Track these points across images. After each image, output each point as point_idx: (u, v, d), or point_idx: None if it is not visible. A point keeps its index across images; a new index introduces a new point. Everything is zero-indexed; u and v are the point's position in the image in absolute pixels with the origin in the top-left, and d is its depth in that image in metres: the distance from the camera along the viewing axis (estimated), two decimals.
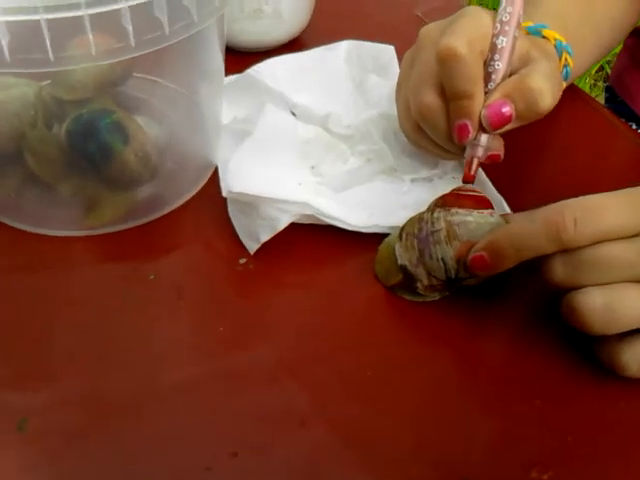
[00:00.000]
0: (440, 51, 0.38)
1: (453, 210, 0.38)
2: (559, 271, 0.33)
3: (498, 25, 0.40)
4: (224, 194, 0.40)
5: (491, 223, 0.37)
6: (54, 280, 0.39)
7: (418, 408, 0.33)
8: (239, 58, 0.52)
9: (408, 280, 0.38)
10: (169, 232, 0.42)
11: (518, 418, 0.33)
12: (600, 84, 1.74)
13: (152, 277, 0.39)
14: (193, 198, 0.44)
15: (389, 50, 0.53)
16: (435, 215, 0.38)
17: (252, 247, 0.40)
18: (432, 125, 0.41)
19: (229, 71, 0.48)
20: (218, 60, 0.46)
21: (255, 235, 0.40)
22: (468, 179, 0.40)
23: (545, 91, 0.39)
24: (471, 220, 0.37)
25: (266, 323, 0.37)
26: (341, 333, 0.37)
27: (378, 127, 0.46)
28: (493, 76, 0.39)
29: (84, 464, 0.31)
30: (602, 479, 0.31)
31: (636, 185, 0.36)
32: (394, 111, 0.45)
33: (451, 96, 0.39)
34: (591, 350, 0.35)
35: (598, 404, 0.34)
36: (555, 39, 0.46)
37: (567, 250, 0.33)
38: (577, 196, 0.36)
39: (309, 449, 0.31)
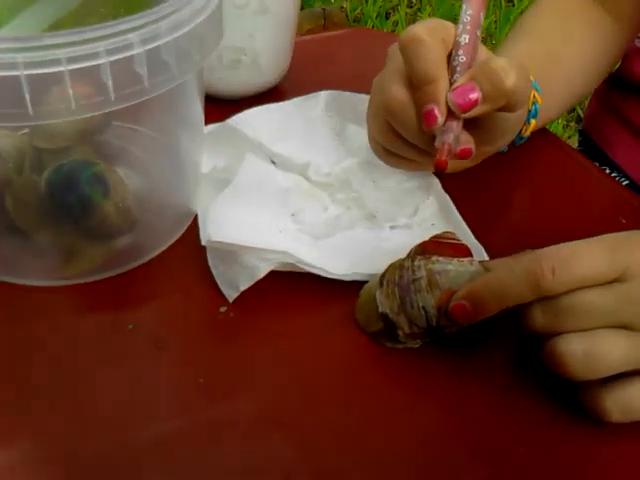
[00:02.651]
0: (402, 39, 0.40)
1: (433, 258, 0.38)
2: (539, 318, 0.34)
3: (460, 26, 0.42)
4: (203, 243, 0.40)
5: (471, 272, 0.37)
6: (31, 332, 0.38)
7: (404, 458, 0.33)
8: (218, 106, 0.52)
9: (389, 328, 0.38)
10: (148, 281, 0.42)
11: (503, 466, 0.33)
12: (573, 124, 1.79)
13: (131, 327, 0.38)
14: (172, 247, 0.44)
15: (362, 98, 0.54)
16: (416, 263, 0.38)
17: (231, 295, 0.40)
18: (401, 119, 0.41)
19: (208, 119, 0.48)
20: (197, 110, 0.47)
21: (234, 283, 0.40)
22: (440, 164, 0.39)
23: (508, 69, 0.39)
24: (451, 268, 0.37)
25: (248, 373, 0.37)
26: (323, 382, 0.37)
27: (357, 175, 0.47)
28: (458, 68, 0.40)
29: None
30: None
31: (610, 231, 0.37)
32: (373, 159, 0.46)
33: (416, 83, 0.40)
34: (574, 396, 0.35)
35: (583, 450, 0.34)
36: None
37: (546, 298, 0.33)
38: (553, 240, 0.37)
39: None
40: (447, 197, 0.47)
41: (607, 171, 0.71)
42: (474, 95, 0.39)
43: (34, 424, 0.34)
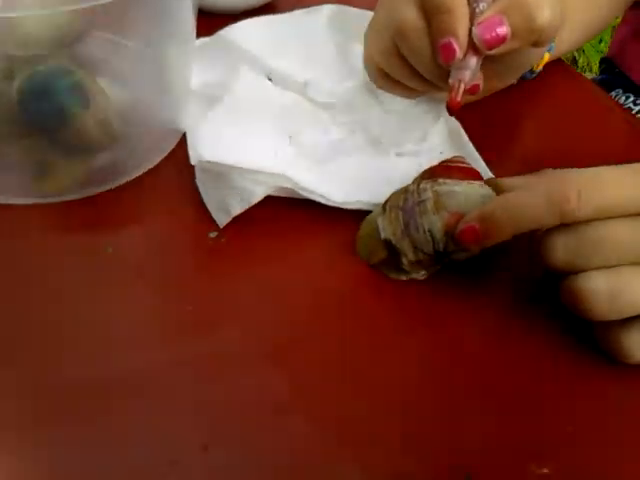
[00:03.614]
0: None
1: (441, 180, 0.35)
2: (560, 254, 0.31)
3: None
4: (192, 162, 0.36)
5: (482, 195, 0.34)
6: (4, 252, 0.35)
7: (404, 396, 0.30)
8: (211, 20, 0.48)
9: (392, 256, 0.35)
10: (129, 202, 0.38)
11: (513, 409, 0.30)
12: None
13: (110, 250, 0.35)
14: (157, 166, 0.40)
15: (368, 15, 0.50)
16: (422, 186, 0.35)
17: (222, 220, 0.36)
18: (412, 46, 0.36)
19: (200, 34, 0.44)
20: (188, 20, 0.42)
21: (225, 207, 0.36)
22: (454, 105, 0.35)
23: (542, 3, 0.35)
24: (460, 190, 0.34)
25: (238, 303, 0.34)
26: (319, 315, 0.34)
27: (362, 96, 0.43)
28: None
29: (41, 455, 0.27)
30: (602, 470, 0.29)
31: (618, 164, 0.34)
32: None
33: (429, 9, 0.35)
34: (586, 333, 0.32)
35: (596, 391, 0.31)
36: None
37: (568, 228, 0.30)
38: None
39: (284, 439, 0.28)
40: (458, 123, 0.43)
41: (631, 98, 0.68)
42: (502, 30, 0.34)
43: (13, 352, 0.31)
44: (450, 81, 0.36)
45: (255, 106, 0.40)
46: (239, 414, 0.29)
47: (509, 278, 0.36)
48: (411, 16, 0.36)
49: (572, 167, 0.33)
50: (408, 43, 0.37)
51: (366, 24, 0.47)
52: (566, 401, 0.31)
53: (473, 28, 0.35)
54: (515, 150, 0.47)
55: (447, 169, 0.36)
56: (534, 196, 0.31)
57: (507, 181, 0.36)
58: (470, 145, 0.42)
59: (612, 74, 0.73)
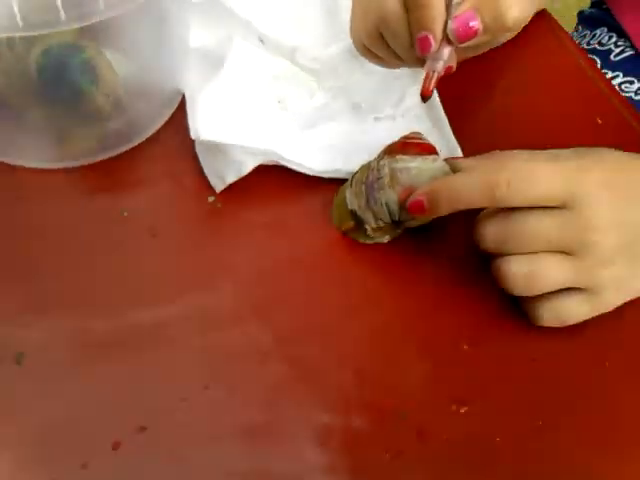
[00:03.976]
0: None
1: (398, 157, 0.41)
2: (489, 239, 0.38)
3: None
4: (193, 137, 0.42)
5: (433, 169, 0.40)
6: (28, 214, 0.42)
7: (361, 349, 0.39)
8: None
9: (358, 223, 0.42)
10: (140, 166, 0.44)
11: (447, 360, 0.39)
12: None
13: (125, 214, 0.42)
14: (163, 128, 0.46)
15: None
16: (381, 163, 0.41)
17: (218, 186, 0.43)
18: (393, 33, 0.41)
19: None
20: None
21: (221, 175, 0.42)
22: (427, 93, 0.41)
23: (512, 2, 0.39)
24: (413, 166, 0.40)
25: (231, 262, 0.41)
26: (298, 275, 0.41)
27: (346, 61, 0.47)
28: None
29: (73, 397, 0.36)
30: (512, 413, 0.38)
31: (582, 130, 0.38)
32: None
33: (410, 4, 0.39)
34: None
35: (518, 347, 0.40)
36: None
37: (497, 216, 0.37)
38: (527, 138, 0.40)
39: (269, 383, 0.37)
40: None
41: (613, 39, 0.70)
42: (475, 25, 0.38)
43: (45, 305, 0.38)
44: (425, 69, 0.41)
45: (248, 75, 0.45)
46: (233, 360, 0.38)
47: (457, 242, 0.43)
48: (393, 7, 0.40)
49: (537, 132, 0.38)
50: (389, 31, 0.41)
51: None
52: (491, 354, 0.39)
53: (448, 22, 0.39)
54: (483, 110, 0.51)
55: (405, 145, 0.41)
56: (471, 179, 0.37)
57: (461, 161, 0.42)
58: (441, 109, 0.47)
59: (601, 9, 0.74)
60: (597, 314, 0.38)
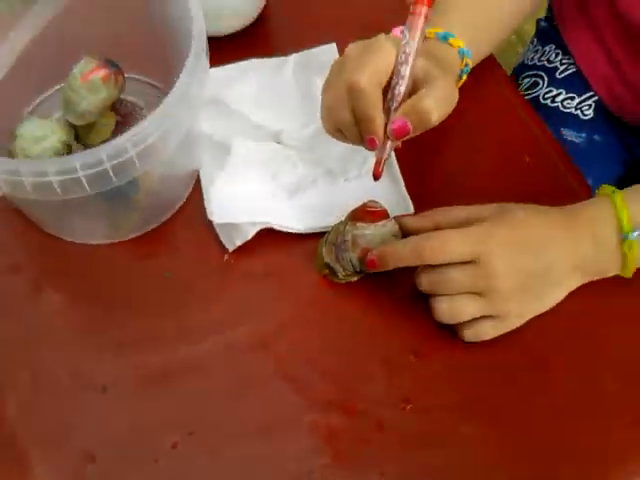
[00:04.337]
0: (347, 84, 0.52)
1: (358, 224, 0.56)
2: (424, 285, 0.53)
3: (402, 55, 0.52)
4: (209, 217, 0.57)
5: (383, 233, 0.56)
6: (98, 276, 0.58)
7: (338, 363, 0.55)
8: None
9: (332, 271, 0.57)
10: (171, 236, 0.60)
11: (398, 368, 0.55)
12: None
13: (167, 275, 0.58)
14: (186, 203, 0.61)
15: (332, 49, 0.66)
16: (346, 229, 0.56)
17: (230, 248, 0.58)
18: (348, 133, 0.55)
19: None
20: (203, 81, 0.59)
21: (232, 240, 0.58)
22: (377, 175, 0.55)
23: (433, 111, 0.51)
24: (368, 233, 0.55)
25: (246, 305, 0.57)
26: (293, 309, 0.57)
27: (319, 138, 0.61)
28: (397, 97, 0.52)
29: (143, 413, 0.53)
30: (447, 408, 0.54)
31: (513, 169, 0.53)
32: None
33: (358, 118, 0.53)
34: None
35: (452, 357, 0.55)
36: (458, 46, 0.59)
37: (427, 269, 0.53)
38: (463, 180, 0.58)
39: (273, 393, 0.54)
40: None
41: (560, 57, 0.82)
42: (406, 129, 0.52)
43: (120, 347, 0.55)
44: (375, 157, 0.55)
45: (249, 165, 0.60)
46: (250, 378, 0.54)
47: (406, 281, 0.57)
48: (346, 117, 0.53)
49: (472, 173, 0.53)
50: (346, 132, 0.55)
51: (322, 56, 0.64)
52: (434, 361, 0.55)
53: (388, 126, 0.53)
54: (431, 164, 0.65)
55: (364, 213, 0.57)
56: (407, 247, 0.53)
57: (406, 220, 0.57)
58: (397, 168, 0.62)
59: (551, 26, 0.85)
60: (504, 332, 0.54)
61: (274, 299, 0.58)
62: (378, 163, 0.55)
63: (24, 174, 0.46)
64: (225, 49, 0.65)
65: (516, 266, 0.52)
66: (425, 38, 0.54)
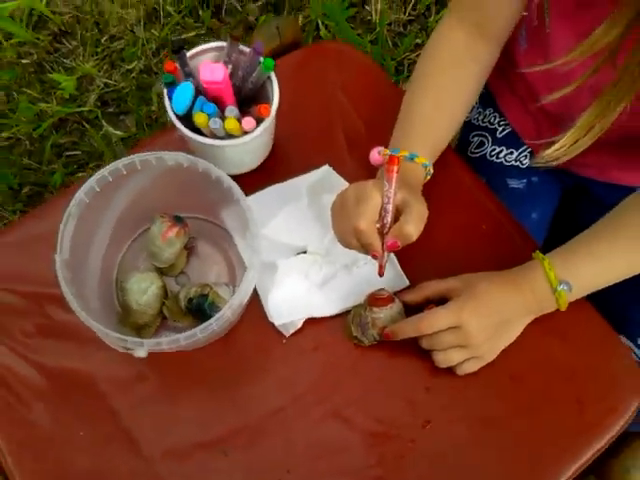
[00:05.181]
0: (351, 228, 0.77)
1: (374, 309, 0.81)
2: (425, 345, 0.80)
3: (386, 198, 0.77)
4: (270, 320, 0.82)
5: (392, 313, 0.81)
6: (194, 368, 0.83)
7: (371, 401, 0.81)
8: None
9: (359, 341, 0.83)
10: (241, 337, 0.84)
11: (415, 399, 0.81)
12: None
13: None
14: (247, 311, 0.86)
15: (328, 169, 0.90)
16: (366, 313, 0.81)
17: (286, 334, 0.84)
18: (356, 249, 0.80)
19: None
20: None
21: (287, 329, 0.83)
22: (381, 274, 0.81)
23: (413, 233, 0.77)
24: (382, 316, 0.81)
25: (303, 373, 0.83)
26: (339, 368, 0.83)
27: (334, 244, 0.85)
28: (386, 225, 0.77)
29: (246, 466, 0.79)
30: (457, 422, 0.80)
31: (472, 239, 0.80)
32: None
33: (362, 245, 0.78)
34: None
35: (453, 388, 0.82)
36: (422, 162, 0.83)
37: (425, 336, 0.78)
38: (434, 253, 0.84)
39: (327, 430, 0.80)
40: None
41: (497, 119, 1.03)
42: (396, 246, 0.77)
43: (231, 424, 0.81)
44: (377, 262, 0.79)
45: (289, 272, 0.84)
46: (311, 428, 0.80)
47: (412, 342, 0.83)
48: (354, 243, 0.78)
49: (440, 246, 0.82)
50: (354, 249, 0.80)
51: (325, 177, 0.88)
52: (440, 395, 0.81)
53: (383, 243, 0.77)
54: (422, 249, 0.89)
55: (375, 300, 0.82)
56: (410, 326, 0.78)
57: (406, 297, 0.82)
58: (392, 254, 0.86)
59: (489, 92, 1.06)
60: (484, 365, 0.80)
61: (322, 363, 0.83)
62: (381, 266, 0.80)
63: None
64: (246, 182, 0.87)
65: (484, 324, 0.77)
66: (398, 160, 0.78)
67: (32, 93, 1.70)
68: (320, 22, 1.79)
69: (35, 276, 0.87)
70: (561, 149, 0.70)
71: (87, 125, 1.67)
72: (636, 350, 0.93)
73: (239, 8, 1.84)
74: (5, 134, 1.66)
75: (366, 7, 1.85)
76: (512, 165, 1.03)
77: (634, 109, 0.65)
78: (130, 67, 1.76)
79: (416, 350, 0.82)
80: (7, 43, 1.74)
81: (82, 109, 1.69)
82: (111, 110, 1.71)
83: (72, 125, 1.69)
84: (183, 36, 1.79)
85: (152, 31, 1.80)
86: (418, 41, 1.81)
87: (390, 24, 1.84)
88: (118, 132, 1.68)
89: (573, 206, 1.06)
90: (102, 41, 1.79)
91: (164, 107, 0.81)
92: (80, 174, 1.63)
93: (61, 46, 1.79)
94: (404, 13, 1.85)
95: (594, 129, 0.67)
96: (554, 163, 0.73)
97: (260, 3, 1.85)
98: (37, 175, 1.63)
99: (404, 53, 1.79)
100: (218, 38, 1.80)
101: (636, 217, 0.78)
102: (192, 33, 1.80)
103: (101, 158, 1.64)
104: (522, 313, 0.80)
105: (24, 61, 1.75)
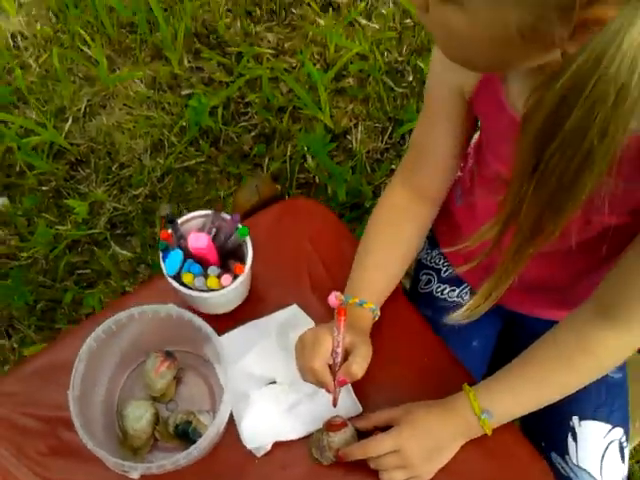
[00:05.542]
0: (307, 367, 0.94)
1: (330, 434, 0.97)
2: (372, 466, 0.95)
3: (336, 342, 0.94)
4: (244, 444, 0.98)
5: (346, 437, 0.97)
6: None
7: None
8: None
9: (318, 460, 0.98)
10: (220, 455, 1.00)
11: None
12: None
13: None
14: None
15: (295, 308, 1.07)
16: (323, 437, 0.97)
17: (259, 455, 0.99)
18: (314, 384, 0.97)
19: None
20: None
21: (258, 452, 0.99)
22: (335, 405, 0.98)
23: (358, 372, 0.94)
24: (336, 440, 0.96)
25: None
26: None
27: (297, 375, 1.02)
28: (337, 364, 0.94)
29: None
30: None
31: (416, 370, 0.96)
32: None
33: (317, 382, 0.95)
34: None
35: None
36: (369, 307, 1.01)
37: (371, 458, 0.94)
38: (384, 385, 0.99)
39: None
40: None
41: (442, 260, 1.22)
42: (345, 381, 0.94)
43: None
44: (332, 395, 0.96)
45: (260, 400, 1.01)
46: None
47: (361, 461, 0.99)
48: (312, 380, 0.95)
49: (390, 381, 0.98)
50: (313, 384, 0.96)
51: (291, 317, 1.05)
52: None
53: (335, 380, 0.94)
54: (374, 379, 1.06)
55: (330, 425, 0.97)
56: (359, 450, 0.94)
57: (358, 424, 0.98)
58: (349, 385, 1.02)
59: (434, 235, 1.26)
60: None
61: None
62: (334, 399, 0.96)
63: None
64: (225, 320, 1.06)
65: (421, 448, 0.93)
66: (347, 305, 0.95)
67: (49, 217, 1.92)
68: (306, 151, 2.02)
69: (49, 400, 1.03)
70: (467, 311, 0.88)
71: (95, 248, 1.87)
72: (563, 465, 1.08)
73: (235, 139, 2.08)
74: (25, 254, 1.87)
75: (347, 136, 2.10)
76: (454, 301, 1.20)
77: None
78: (137, 192, 1.98)
79: (368, 469, 0.97)
80: (30, 173, 1.98)
81: (93, 231, 1.90)
82: (119, 232, 1.93)
83: (83, 246, 1.90)
84: (185, 164, 2.03)
85: (157, 159, 2.04)
86: (393, 167, 2.04)
87: (368, 152, 2.07)
88: (124, 252, 1.88)
89: (513, 333, 1.23)
90: (113, 169, 2.03)
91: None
92: (88, 291, 1.82)
93: (76, 173, 2.03)
94: (381, 142, 2.09)
95: (491, 297, 0.85)
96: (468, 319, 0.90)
97: (253, 134, 2.10)
98: (51, 291, 1.83)
99: (380, 178, 2.01)
100: (216, 165, 2.03)
101: (545, 353, 0.94)
102: (193, 161, 2.03)
103: (109, 276, 1.84)
104: (455, 437, 0.96)
105: (44, 188, 1.98)
